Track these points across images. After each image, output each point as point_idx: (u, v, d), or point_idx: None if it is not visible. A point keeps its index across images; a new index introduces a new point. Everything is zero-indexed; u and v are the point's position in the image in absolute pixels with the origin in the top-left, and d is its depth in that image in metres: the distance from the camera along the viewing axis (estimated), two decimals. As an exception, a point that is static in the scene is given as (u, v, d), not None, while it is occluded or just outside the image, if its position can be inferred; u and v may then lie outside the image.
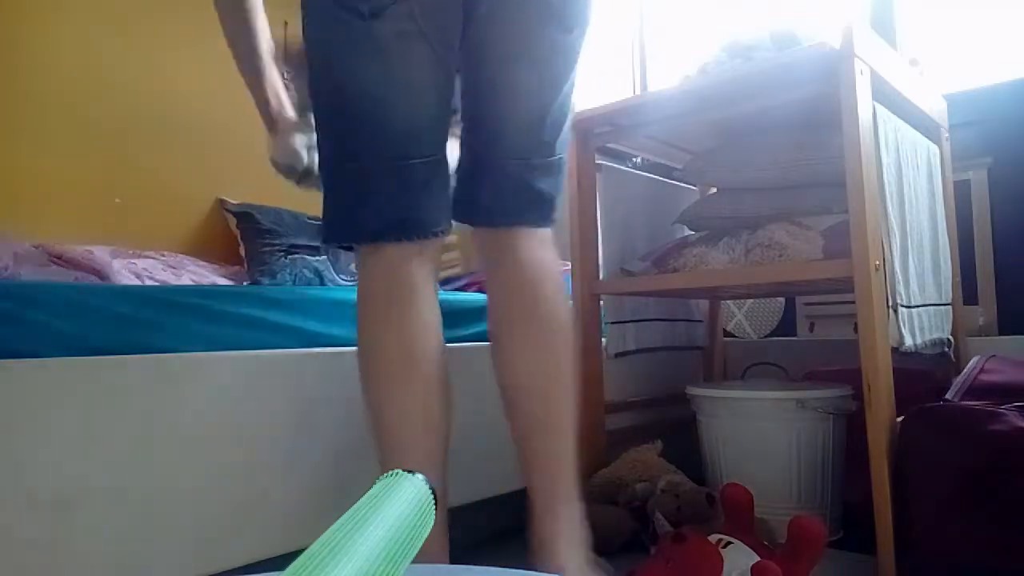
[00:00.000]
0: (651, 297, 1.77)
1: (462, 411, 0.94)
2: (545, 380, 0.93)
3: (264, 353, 1.04)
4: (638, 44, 2.59)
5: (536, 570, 0.81)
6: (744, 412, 1.45)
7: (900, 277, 1.22)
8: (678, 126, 1.55)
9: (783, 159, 1.41)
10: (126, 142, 1.65)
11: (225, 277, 1.53)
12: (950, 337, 1.48)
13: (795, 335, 2.03)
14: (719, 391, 1.49)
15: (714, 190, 1.64)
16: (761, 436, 1.43)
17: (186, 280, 1.41)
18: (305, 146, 1.14)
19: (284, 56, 1.20)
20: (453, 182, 1.19)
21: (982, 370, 1.28)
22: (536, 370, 0.93)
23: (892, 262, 1.20)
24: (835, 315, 1.92)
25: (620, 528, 1.34)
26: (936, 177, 1.49)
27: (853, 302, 1.16)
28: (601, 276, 1.60)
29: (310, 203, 1.79)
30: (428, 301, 0.91)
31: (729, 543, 1.10)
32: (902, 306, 1.21)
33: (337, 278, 1.66)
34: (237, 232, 1.69)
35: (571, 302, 1.02)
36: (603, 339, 1.61)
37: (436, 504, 0.42)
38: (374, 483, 0.41)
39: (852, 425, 1.44)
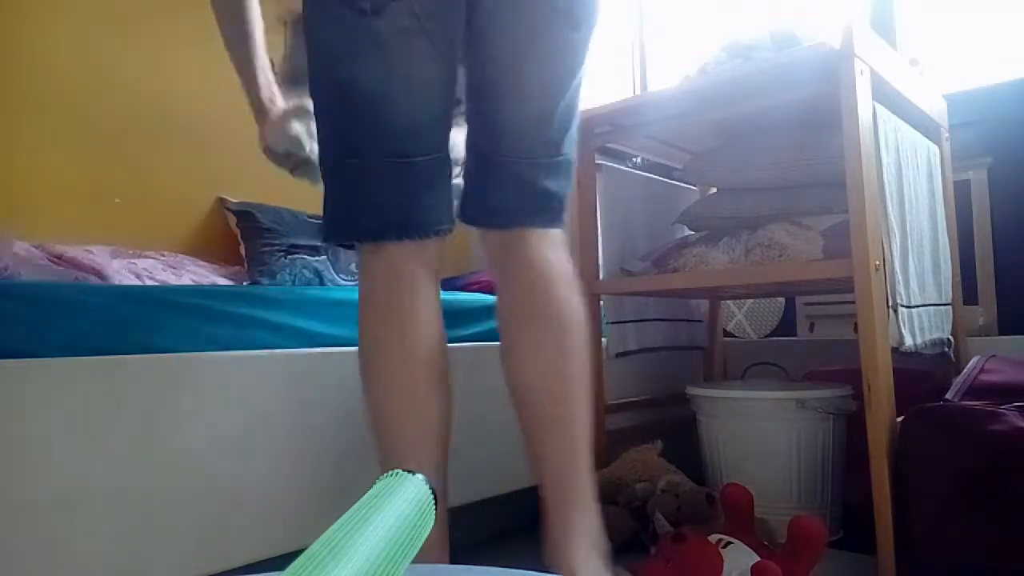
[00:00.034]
0: (651, 297, 1.78)
1: (462, 411, 0.93)
2: (556, 378, 0.90)
3: (264, 353, 1.04)
4: (638, 44, 2.59)
5: (547, 571, 0.81)
6: (744, 412, 1.45)
7: (900, 277, 1.22)
8: (678, 126, 1.55)
9: (783, 159, 1.41)
10: (126, 142, 1.65)
11: (225, 277, 1.53)
12: (950, 337, 1.48)
13: (795, 335, 2.03)
14: (719, 391, 1.49)
15: (714, 190, 1.64)
16: (761, 436, 1.43)
17: (186, 280, 1.41)
18: (306, 132, 1.11)
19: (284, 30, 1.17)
20: (460, 178, 1.18)
21: (982, 370, 1.28)
22: (547, 368, 0.90)
23: (892, 262, 1.20)
24: (835, 315, 1.92)
25: (620, 528, 1.34)
26: (936, 177, 1.49)
27: (853, 302, 1.16)
28: (601, 276, 1.60)
29: (310, 202, 1.79)
30: (430, 301, 0.90)
31: (729, 543, 1.10)
32: (902, 306, 1.21)
33: (337, 278, 1.66)
34: (237, 231, 1.69)
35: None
36: (603, 339, 1.61)
37: (436, 504, 0.42)
38: (374, 483, 0.41)
39: (852, 425, 1.44)
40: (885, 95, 1.30)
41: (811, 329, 1.99)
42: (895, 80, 1.31)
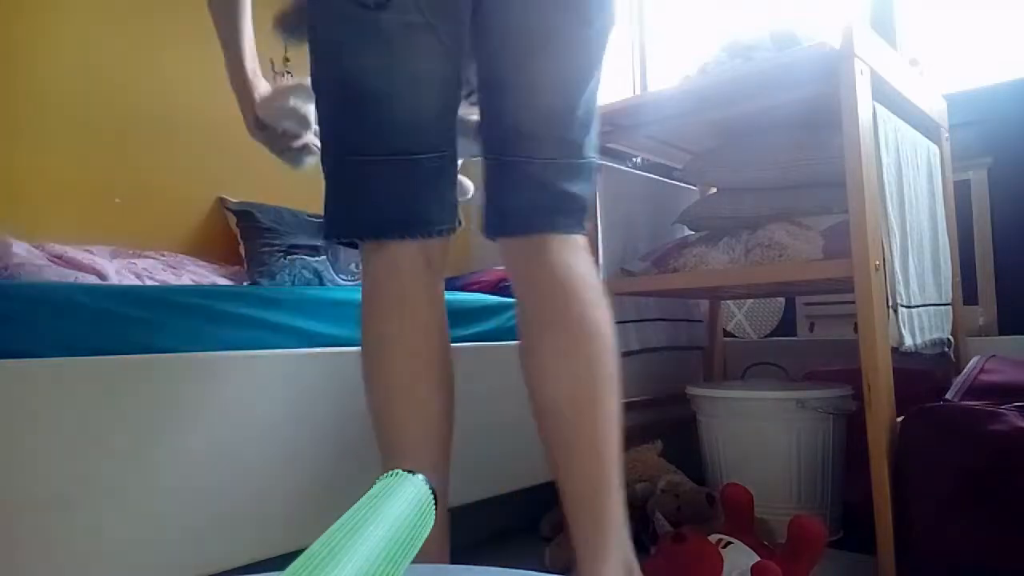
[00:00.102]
0: (651, 297, 1.77)
1: (462, 411, 0.93)
2: (583, 390, 0.84)
3: (264, 353, 1.04)
4: (638, 44, 2.59)
5: (547, 571, 0.80)
6: (744, 412, 1.45)
7: (900, 277, 1.22)
8: (678, 126, 1.55)
9: (783, 159, 1.41)
10: (126, 142, 1.65)
11: (225, 277, 1.53)
12: (950, 337, 1.48)
13: (795, 335, 2.03)
14: (719, 391, 1.49)
15: (714, 190, 1.64)
16: (761, 436, 1.43)
17: (186, 280, 1.41)
18: (306, 108, 1.05)
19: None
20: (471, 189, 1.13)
21: (982, 370, 1.28)
22: (572, 379, 0.84)
23: (892, 262, 1.20)
24: (835, 315, 1.92)
25: (620, 528, 1.34)
26: (936, 177, 1.49)
27: (853, 302, 1.16)
28: (601, 276, 1.60)
29: (310, 202, 1.79)
30: (434, 301, 0.89)
31: (729, 543, 1.10)
32: (902, 306, 1.21)
33: (337, 278, 1.66)
34: (237, 231, 1.69)
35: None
36: (603, 339, 1.61)
37: (436, 504, 0.42)
38: (374, 483, 0.41)
39: (852, 425, 1.44)
40: (885, 95, 1.30)
41: (811, 329, 1.99)
42: (895, 80, 1.31)
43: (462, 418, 0.93)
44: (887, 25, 1.92)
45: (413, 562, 0.38)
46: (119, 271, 1.31)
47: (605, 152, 1.74)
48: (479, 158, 0.94)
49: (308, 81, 0.92)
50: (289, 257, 1.62)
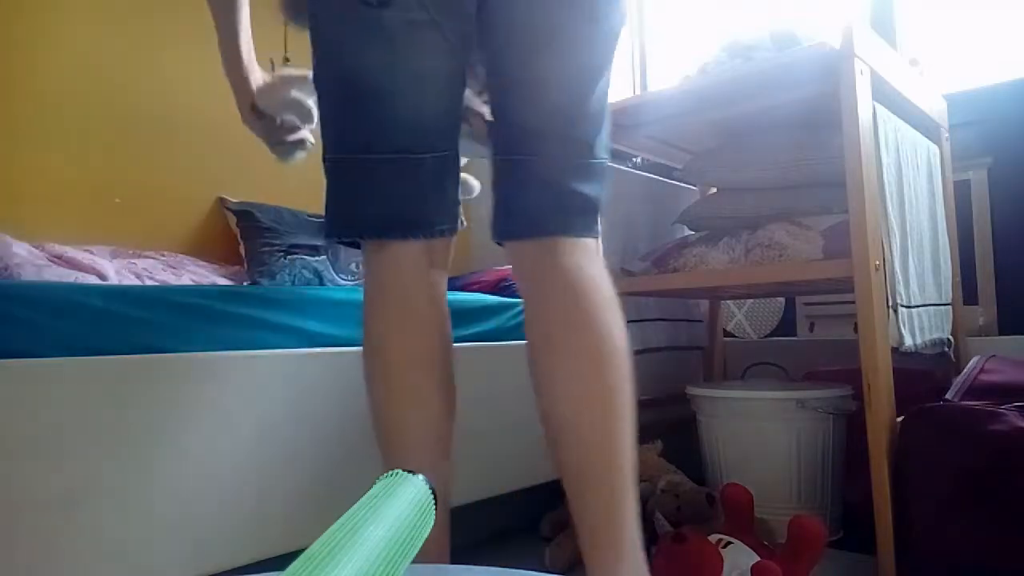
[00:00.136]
0: (651, 297, 1.77)
1: (461, 411, 0.93)
2: (598, 413, 0.79)
3: (264, 353, 1.04)
4: (638, 44, 2.59)
5: (547, 571, 0.80)
6: (744, 412, 1.45)
7: (900, 277, 1.22)
8: (678, 126, 1.55)
9: (783, 159, 1.41)
10: (126, 142, 1.65)
11: (225, 277, 1.53)
12: (950, 337, 1.48)
13: (795, 335, 2.03)
14: (719, 391, 1.49)
15: (714, 190, 1.64)
16: (761, 436, 1.43)
17: (186, 280, 1.41)
18: (310, 102, 1.02)
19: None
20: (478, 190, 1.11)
21: (982, 370, 1.28)
22: (587, 401, 0.79)
23: (892, 262, 1.20)
24: (835, 315, 1.92)
25: (620, 528, 1.34)
26: (936, 177, 1.49)
27: (853, 302, 1.16)
28: (601, 276, 1.60)
29: (310, 202, 1.79)
30: (436, 301, 0.88)
31: (729, 543, 1.10)
32: (902, 306, 1.21)
33: (337, 278, 1.66)
34: (237, 231, 1.69)
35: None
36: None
37: (436, 504, 0.42)
38: (374, 483, 0.41)
39: (852, 425, 1.44)
40: (885, 95, 1.30)
41: (811, 329, 1.99)
42: (895, 80, 1.31)
43: (462, 418, 0.93)
44: (887, 25, 1.92)
45: (413, 562, 0.38)
46: (119, 271, 1.31)
47: (605, 152, 1.74)
48: (487, 159, 0.93)
49: (311, 74, 0.91)
50: (289, 257, 1.62)
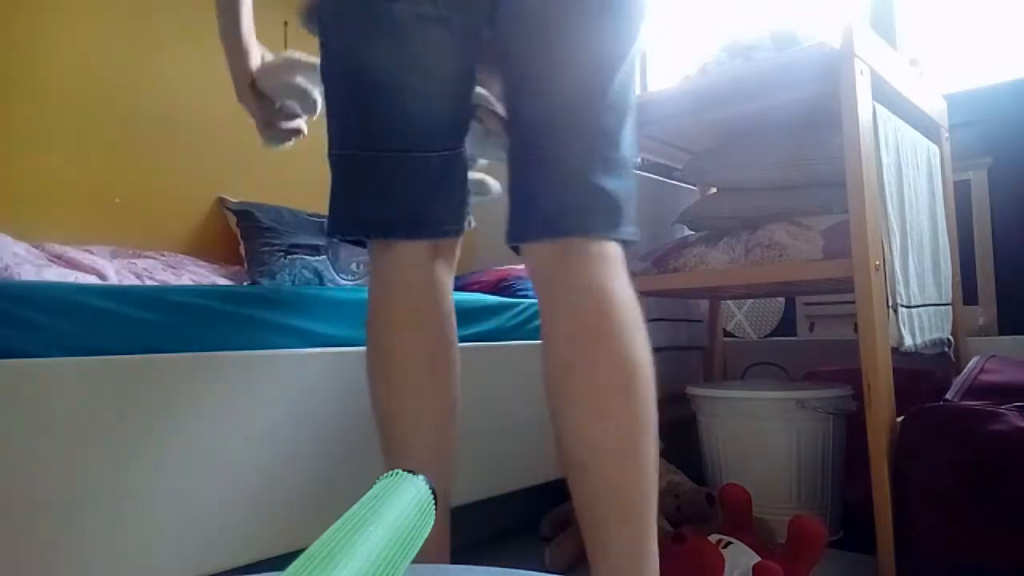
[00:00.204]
0: (651, 297, 1.77)
1: (462, 412, 0.93)
2: (615, 452, 0.73)
3: (264, 353, 1.04)
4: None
5: (547, 571, 0.79)
6: (744, 412, 1.45)
7: (900, 277, 1.22)
8: (678, 126, 1.55)
9: (783, 159, 1.41)
10: (126, 142, 1.65)
11: (225, 277, 1.53)
12: (950, 337, 1.48)
13: (795, 335, 2.03)
14: (719, 391, 1.49)
15: (714, 190, 1.64)
16: (761, 436, 1.43)
17: (186, 280, 1.41)
18: (316, 91, 0.97)
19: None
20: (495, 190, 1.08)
21: (982, 370, 1.28)
22: (603, 439, 0.73)
23: (892, 262, 1.20)
24: (835, 315, 1.92)
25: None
26: (936, 177, 1.49)
27: (853, 302, 1.16)
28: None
29: (310, 201, 1.79)
30: (441, 301, 0.87)
31: (729, 543, 1.10)
32: (902, 306, 1.21)
33: (337, 278, 1.66)
34: (237, 231, 1.69)
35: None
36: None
37: (436, 504, 0.42)
38: (374, 483, 0.41)
39: (852, 425, 1.44)
40: (885, 95, 1.30)
41: (811, 329, 1.99)
42: (895, 80, 1.31)
43: (462, 418, 0.93)
44: (887, 25, 1.92)
45: (413, 562, 0.38)
46: (119, 271, 1.31)
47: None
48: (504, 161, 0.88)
49: (318, 60, 0.89)
50: (289, 257, 1.62)
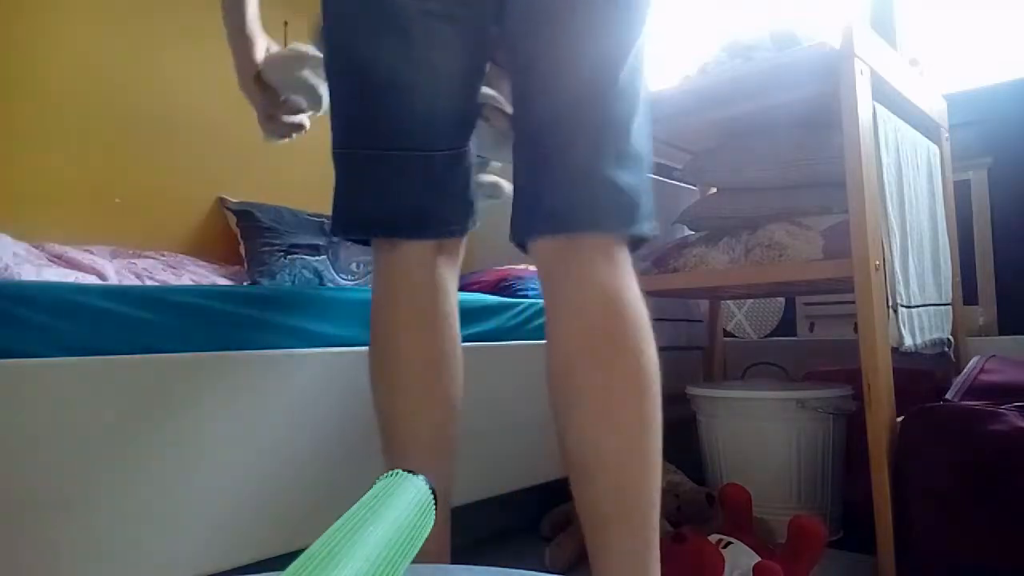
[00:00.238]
0: (651, 297, 1.77)
1: (463, 412, 0.93)
2: (620, 454, 0.72)
3: (264, 353, 1.04)
4: (638, 44, 2.58)
5: (547, 571, 0.79)
6: (744, 412, 1.45)
7: (900, 277, 1.22)
8: (678, 126, 1.55)
9: (783, 159, 1.41)
10: (126, 142, 1.65)
11: (225, 277, 1.53)
12: (950, 337, 1.48)
13: (795, 335, 2.03)
14: (719, 391, 1.49)
15: (714, 190, 1.64)
16: (761, 436, 1.43)
17: (186, 280, 1.41)
18: (323, 88, 0.95)
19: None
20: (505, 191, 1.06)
21: (982, 370, 1.28)
22: (609, 440, 0.72)
23: (892, 262, 1.20)
24: (835, 315, 1.92)
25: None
26: (936, 177, 1.49)
27: (853, 302, 1.16)
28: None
29: (310, 201, 1.80)
30: (444, 301, 0.87)
31: (729, 543, 1.10)
32: (902, 306, 1.21)
33: (337, 278, 1.66)
34: (237, 231, 1.69)
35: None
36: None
37: (436, 504, 0.42)
38: (374, 483, 0.41)
39: (852, 425, 1.44)
40: (885, 95, 1.30)
41: (811, 329, 1.99)
42: (895, 80, 1.31)
43: (462, 418, 0.93)
44: (887, 25, 1.92)
45: (413, 562, 0.38)
46: (119, 271, 1.31)
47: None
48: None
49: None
50: (289, 257, 1.62)
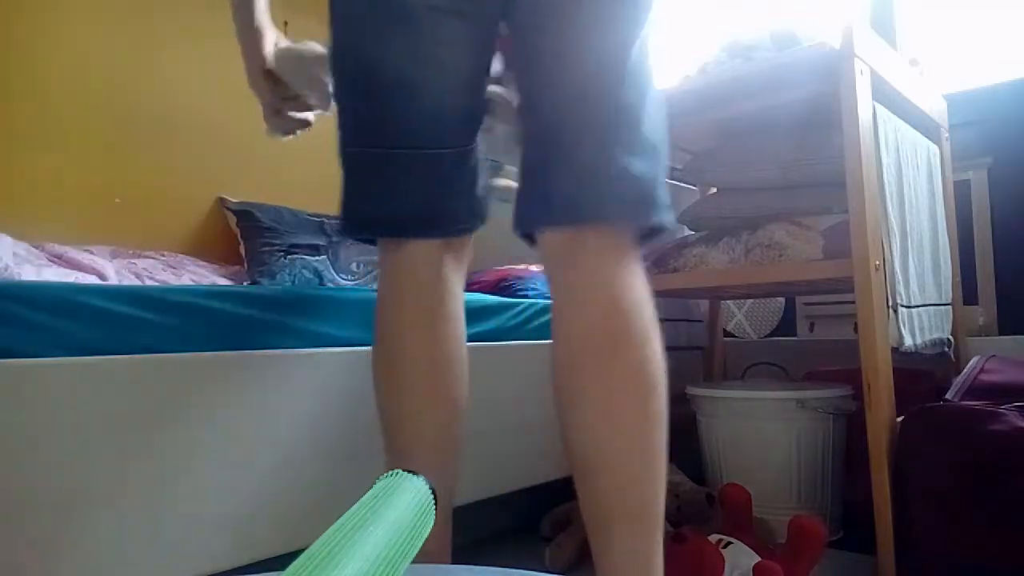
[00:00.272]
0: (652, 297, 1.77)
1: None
2: (623, 453, 0.71)
3: (264, 353, 1.04)
4: (638, 44, 2.58)
5: (547, 571, 0.79)
6: (744, 412, 1.45)
7: (900, 277, 1.22)
8: (678, 126, 1.55)
9: (783, 159, 1.41)
10: (126, 142, 1.65)
11: (225, 277, 1.53)
12: (950, 337, 1.48)
13: (795, 335, 2.03)
14: (719, 391, 1.49)
15: (714, 190, 1.64)
16: (761, 436, 1.43)
17: (186, 280, 1.41)
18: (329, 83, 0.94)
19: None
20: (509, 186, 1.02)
21: (982, 370, 1.28)
22: (613, 438, 0.71)
23: (892, 262, 1.20)
24: (835, 315, 1.92)
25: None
26: (936, 177, 1.49)
27: (853, 302, 1.16)
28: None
29: (310, 201, 1.80)
30: (450, 301, 0.85)
31: (729, 543, 1.10)
32: (902, 306, 1.21)
33: (337, 278, 1.66)
34: (237, 230, 1.69)
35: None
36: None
37: (436, 504, 0.42)
38: (374, 483, 0.41)
39: (852, 425, 1.44)
40: (885, 95, 1.30)
41: (811, 329, 1.99)
42: (895, 80, 1.31)
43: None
44: (887, 25, 1.92)
45: (414, 562, 0.38)
46: (119, 271, 1.31)
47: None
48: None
49: None
50: (289, 257, 1.62)
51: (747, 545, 1.10)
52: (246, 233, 1.66)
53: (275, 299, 1.10)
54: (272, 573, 0.46)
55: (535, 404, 1.43)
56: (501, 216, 0.90)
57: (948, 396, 1.22)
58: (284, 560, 0.68)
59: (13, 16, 1.49)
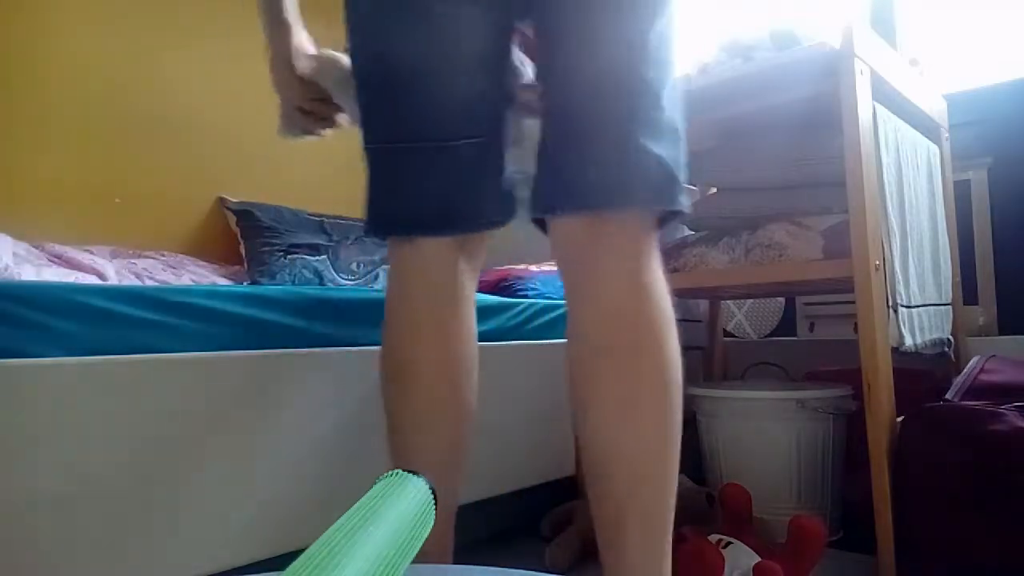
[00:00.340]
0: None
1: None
2: (637, 451, 0.70)
3: (264, 353, 1.04)
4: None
5: (547, 571, 0.79)
6: (744, 412, 1.45)
7: (900, 277, 1.22)
8: (678, 126, 1.54)
9: (783, 159, 1.41)
10: (126, 142, 1.65)
11: (225, 277, 1.53)
12: (950, 337, 1.48)
13: (795, 335, 2.03)
14: (719, 391, 1.49)
15: (714, 190, 1.64)
16: (761, 436, 1.43)
17: (186, 280, 1.41)
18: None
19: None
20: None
21: (982, 370, 1.28)
22: (631, 441, 0.70)
23: (892, 262, 1.20)
24: (835, 315, 1.92)
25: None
26: (936, 177, 1.49)
27: (853, 302, 1.16)
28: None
29: (310, 201, 1.80)
30: (461, 301, 0.84)
31: (729, 543, 1.10)
32: (902, 306, 1.21)
33: (337, 278, 1.66)
34: (237, 230, 1.69)
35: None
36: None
37: (436, 504, 0.42)
38: (374, 483, 0.41)
39: (852, 425, 1.44)
40: (885, 95, 1.30)
41: (811, 329, 1.99)
42: (895, 80, 1.31)
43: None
44: (887, 25, 1.92)
45: (414, 562, 0.38)
46: (119, 271, 1.31)
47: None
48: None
49: None
50: (289, 257, 1.62)
51: (747, 545, 1.10)
52: (246, 233, 1.66)
53: (275, 299, 1.10)
54: (272, 573, 0.46)
55: (535, 404, 1.43)
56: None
57: (948, 396, 1.22)
58: (284, 560, 0.68)
59: (13, 16, 1.49)
